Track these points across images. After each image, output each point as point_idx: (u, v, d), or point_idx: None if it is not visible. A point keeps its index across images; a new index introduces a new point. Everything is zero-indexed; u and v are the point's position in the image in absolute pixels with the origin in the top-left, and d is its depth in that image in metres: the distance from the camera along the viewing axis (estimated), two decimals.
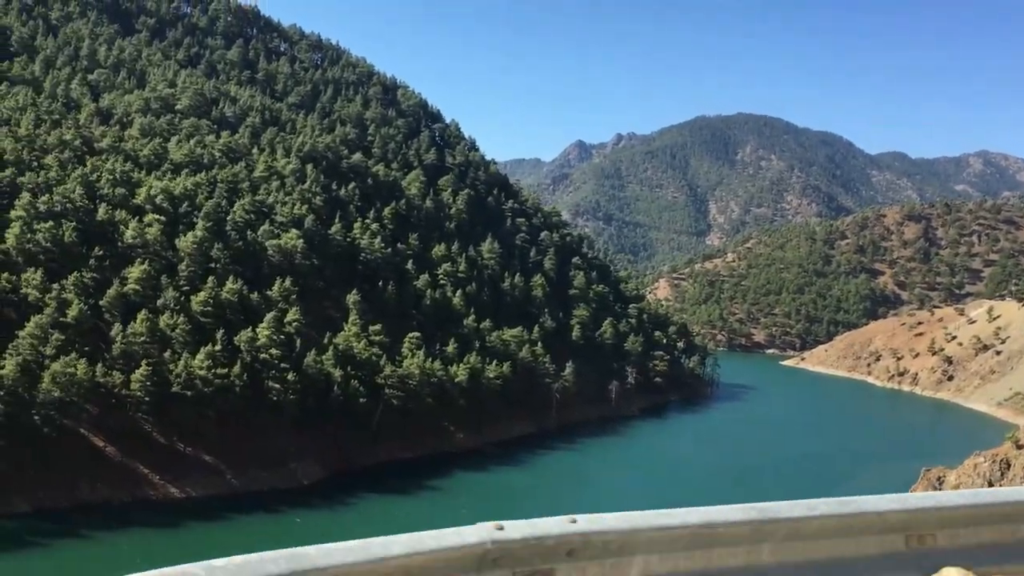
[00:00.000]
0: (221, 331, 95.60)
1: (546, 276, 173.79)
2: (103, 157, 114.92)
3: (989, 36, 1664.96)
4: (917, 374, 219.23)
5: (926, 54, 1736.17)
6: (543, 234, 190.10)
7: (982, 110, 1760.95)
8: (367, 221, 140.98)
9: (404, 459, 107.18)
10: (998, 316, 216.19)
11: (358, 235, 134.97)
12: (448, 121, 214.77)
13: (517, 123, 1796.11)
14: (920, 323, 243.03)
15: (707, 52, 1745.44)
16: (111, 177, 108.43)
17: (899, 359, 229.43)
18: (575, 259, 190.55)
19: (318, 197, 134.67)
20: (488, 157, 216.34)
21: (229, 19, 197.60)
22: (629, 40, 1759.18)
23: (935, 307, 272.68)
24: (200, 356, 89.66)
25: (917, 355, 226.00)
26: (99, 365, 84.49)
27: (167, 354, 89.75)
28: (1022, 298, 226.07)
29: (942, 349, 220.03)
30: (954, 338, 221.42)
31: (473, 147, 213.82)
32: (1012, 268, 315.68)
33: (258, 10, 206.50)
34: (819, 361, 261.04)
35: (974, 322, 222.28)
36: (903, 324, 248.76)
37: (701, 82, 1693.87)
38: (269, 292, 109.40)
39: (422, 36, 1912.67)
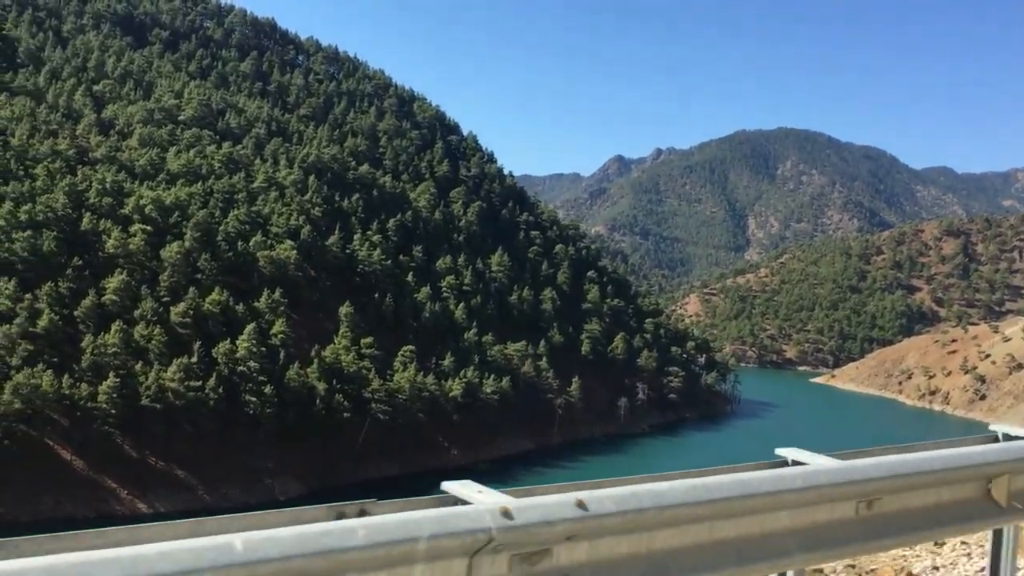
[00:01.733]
0: (199, 343, 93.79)
1: (558, 290, 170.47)
2: (95, 167, 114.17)
3: None
4: (949, 393, 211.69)
5: (972, 67, 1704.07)
6: (558, 247, 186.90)
7: None
8: (369, 233, 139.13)
9: (391, 476, 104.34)
10: None
11: (357, 247, 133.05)
12: (465, 133, 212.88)
13: (558, 139, 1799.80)
14: (953, 340, 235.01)
15: (747, 66, 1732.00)
16: (100, 187, 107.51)
17: (931, 377, 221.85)
18: (590, 272, 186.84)
19: (317, 208, 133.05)
20: (507, 169, 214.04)
21: (246, 31, 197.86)
22: (669, 54, 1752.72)
23: (971, 324, 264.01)
24: (172, 368, 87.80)
25: (949, 373, 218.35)
26: (66, 376, 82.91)
27: (139, 366, 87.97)
28: None
29: (975, 367, 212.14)
30: (988, 356, 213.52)
31: (490, 159, 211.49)
32: None
33: (275, 22, 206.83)
34: (849, 378, 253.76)
35: (1009, 340, 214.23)
36: (936, 341, 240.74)
37: (741, 96, 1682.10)
38: (256, 304, 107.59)
39: (468, 56, 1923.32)
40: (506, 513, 2.98)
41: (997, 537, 4.72)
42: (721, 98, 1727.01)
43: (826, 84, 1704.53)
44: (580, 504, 3.17)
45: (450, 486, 3.45)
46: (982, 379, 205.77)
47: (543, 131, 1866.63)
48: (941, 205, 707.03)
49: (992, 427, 5.20)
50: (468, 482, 3.46)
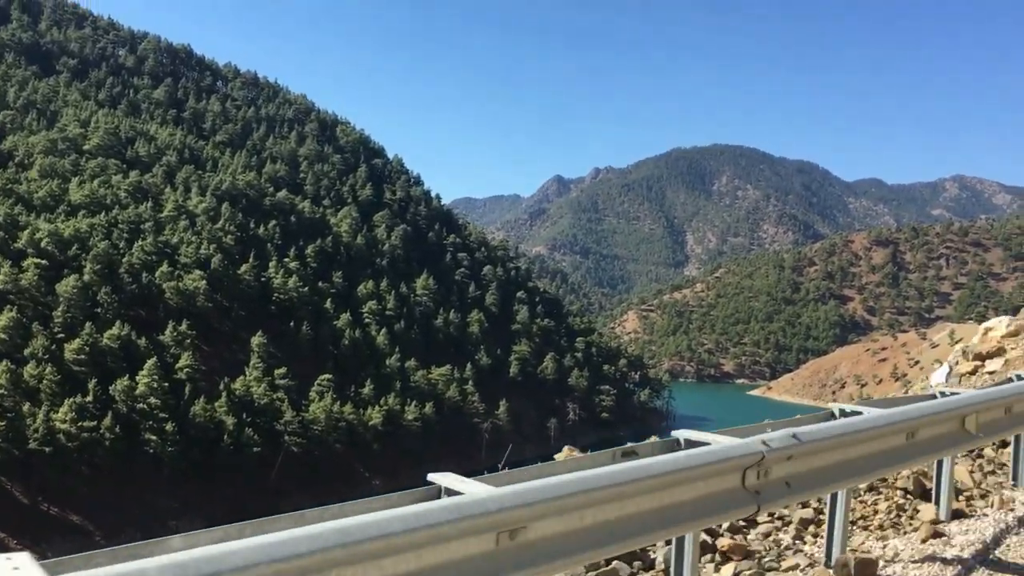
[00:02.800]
0: (94, 381, 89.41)
1: (487, 312, 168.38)
2: None
3: (961, 61, 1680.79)
4: None
5: (898, 79, 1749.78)
6: (486, 268, 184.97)
7: (956, 134, 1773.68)
8: (286, 260, 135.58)
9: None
10: (959, 339, 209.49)
11: (273, 274, 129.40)
12: (391, 156, 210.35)
13: (498, 161, 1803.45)
14: (884, 348, 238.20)
15: (681, 85, 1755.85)
16: None
17: (863, 385, 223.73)
18: (520, 293, 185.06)
19: (229, 236, 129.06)
20: (445, 193, 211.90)
21: (161, 58, 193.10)
22: (605, 75, 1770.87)
23: (902, 331, 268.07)
24: (64, 408, 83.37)
25: (880, 381, 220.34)
26: None
27: (27, 407, 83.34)
28: (982, 320, 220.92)
29: (905, 375, 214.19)
30: (917, 363, 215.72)
31: (416, 182, 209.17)
32: (980, 290, 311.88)
33: (191, 49, 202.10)
34: (785, 390, 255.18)
35: (936, 346, 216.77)
36: (867, 350, 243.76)
37: (676, 115, 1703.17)
38: (161, 337, 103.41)
39: (401, 84, 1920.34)
40: None
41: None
42: (657, 116, 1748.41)
43: (758, 100, 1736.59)
44: None
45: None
46: (911, 385, 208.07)
47: (483, 154, 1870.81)
48: (873, 216, 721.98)
49: (674, 433, 5.16)
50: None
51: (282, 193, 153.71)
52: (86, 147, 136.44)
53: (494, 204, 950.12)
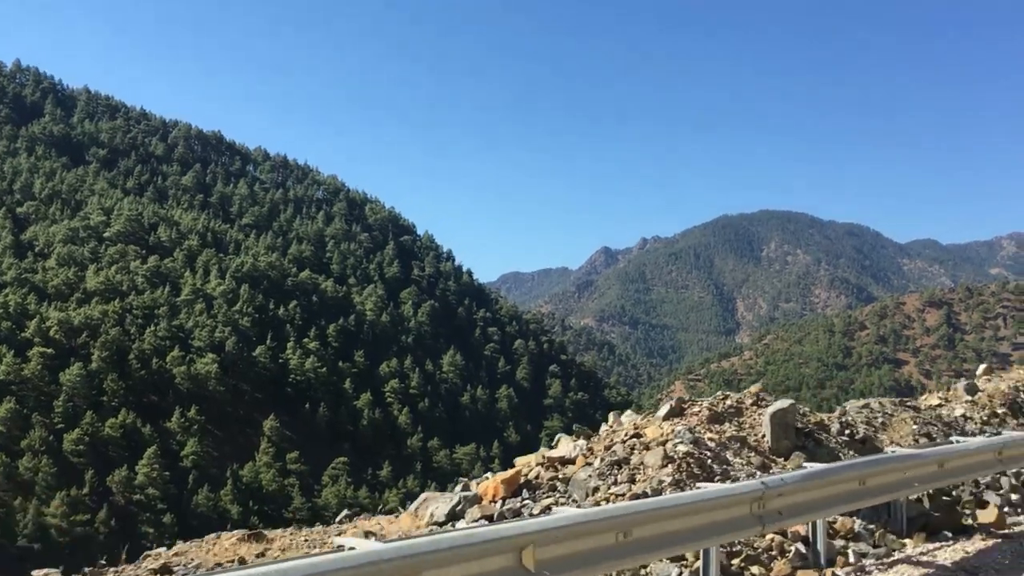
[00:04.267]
0: (91, 472, 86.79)
1: (517, 387, 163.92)
2: (2, 291, 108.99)
3: (1009, 114, 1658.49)
4: None
5: (948, 137, 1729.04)
6: (517, 342, 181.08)
7: (1011, 191, 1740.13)
8: (306, 340, 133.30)
9: None
10: None
11: (290, 355, 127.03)
12: (422, 233, 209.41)
13: (545, 234, 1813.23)
14: None
15: (727, 152, 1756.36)
16: (1, 311, 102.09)
17: None
18: (552, 367, 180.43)
19: (246, 318, 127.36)
20: (465, 267, 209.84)
21: (191, 145, 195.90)
22: (651, 144, 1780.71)
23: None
24: (55, 502, 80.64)
25: None
26: None
27: (18, 501, 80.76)
28: None
29: None
30: None
31: (448, 258, 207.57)
32: None
33: (221, 135, 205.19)
34: None
35: None
36: None
37: (723, 181, 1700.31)
38: (168, 423, 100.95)
39: (450, 158, 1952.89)
40: None
41: None
42: (703, 185, 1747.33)
43: (804, 165, 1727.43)
44: None
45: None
46: None
47: (532, 228, 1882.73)
48: (928, 277, 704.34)
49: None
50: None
51: (305, 273, 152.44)
52: (107, 234, 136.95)
53: (542, 277, 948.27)
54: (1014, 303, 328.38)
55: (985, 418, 14.97)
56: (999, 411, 15.37)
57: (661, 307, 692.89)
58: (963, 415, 14.77)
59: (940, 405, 15.45)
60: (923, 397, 17.03)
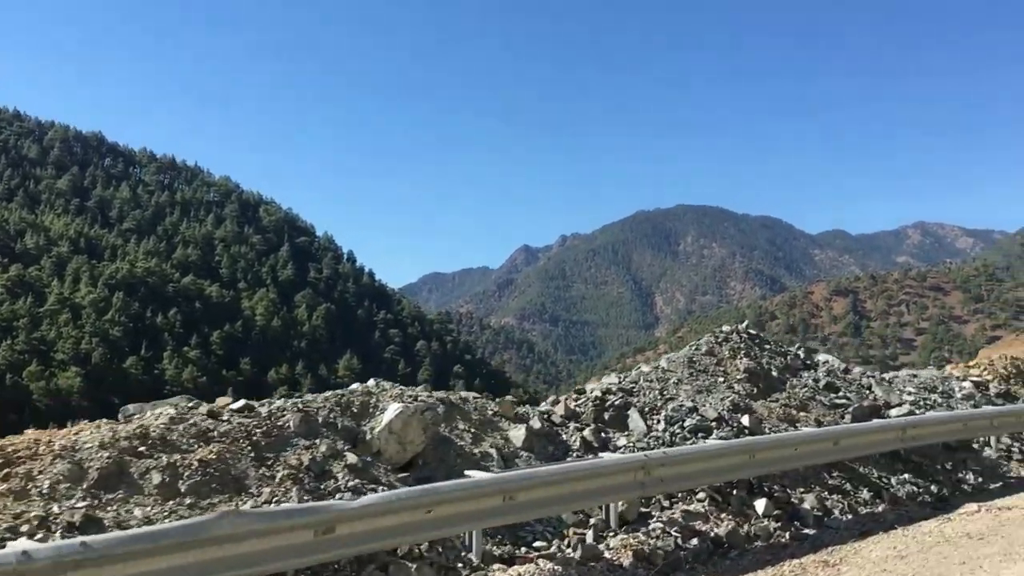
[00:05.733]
0: None
1: None
2: None
3: (917, 108, 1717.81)
4: None
5: (855, 130, 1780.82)
6: (419, 343, 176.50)
7: (916, 182, 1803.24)
8: (185, 349, 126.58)
9: None
10: None
11: (166, 365, 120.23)
12: (319, 234, 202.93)
13: (466, 235, 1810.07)
14: None
15: (641, 149, 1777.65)
16: None
17: None
18: (456, 367, 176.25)
19: (117, 328, 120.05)
20: (367, 268, 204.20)
21: (70, 147, 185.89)
22: (567, 142, 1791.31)
23: None
24: None
25: None
26: None
27: None
28: (941, 365, 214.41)
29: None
30: None
31: (349, 258, 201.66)
32: (943, 335, 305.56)
33: (102, 136, 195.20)
34: None
35: None
36: None
37: (639, 178, 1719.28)
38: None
39: (360, 162, 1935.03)
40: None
41: None
42: (620, 182, 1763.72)
43: (718, 161, 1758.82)
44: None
45: None
46: None
47: (452, 229, 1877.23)
48: (839, 267, 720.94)
49: None
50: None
51: (188, 278, 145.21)
52: None
53: (463, 278, 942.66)
54: (916, 289, 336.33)
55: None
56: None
57: (581, 304, 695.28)
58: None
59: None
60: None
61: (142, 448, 7.92)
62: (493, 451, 10.14)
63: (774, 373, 15.36)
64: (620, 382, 13.81)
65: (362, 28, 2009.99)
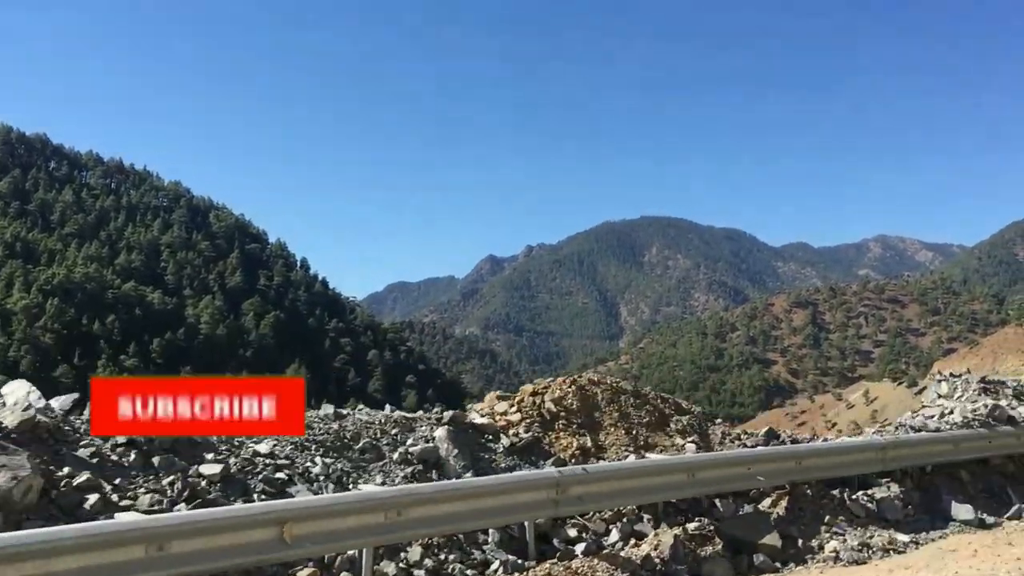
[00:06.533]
0: None
1: (369, 399, 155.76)
2: None
3: (877, 119, 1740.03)
4: None
5: (817, 144, 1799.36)
6: (371, 353, 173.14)
7: (877, 195, 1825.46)
8: (122, 357, 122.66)
9: None
10: (875, 398, 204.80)
11: (100, 373, 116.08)
12: (272, 240, 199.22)
13: (432, 244, 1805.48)
14: (803, 412, 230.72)
15: (606, 160, 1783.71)
16: None
17: None
18: (409, 377, 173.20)
19: (49, 335, 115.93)
20: (320, 275, 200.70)
21: (17, 149, 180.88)
22: (536, 154, 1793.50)
23: (826, 391, 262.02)
24: None
25: None
26: None
27: None
28: (896, 378, 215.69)
29: (826, 438, 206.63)
30: (834, 425, 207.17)
31: (303, 265, 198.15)
32: (900, 347, 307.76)
33: (46, 138, 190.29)
34: None
35: (852, 406, 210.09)
36: (787, 414, 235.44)
37: (604, 189, 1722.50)
38: None
39: (326, 170, 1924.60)
40: None
41: None
42: (585, 192, 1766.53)
43: (683, 172, 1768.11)
44: None
45: None
46: None
47: (418, 238, 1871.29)
48: (801, 279, 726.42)
49: None
50: None
51: (129, 284, 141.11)
52: None
53: (429, 287, 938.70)
54: (874, 302, 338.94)
55: None
56: None
57: (546, 314, 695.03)
58: None
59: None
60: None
61: None
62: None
63: None
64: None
65: (339, 28, 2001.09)
